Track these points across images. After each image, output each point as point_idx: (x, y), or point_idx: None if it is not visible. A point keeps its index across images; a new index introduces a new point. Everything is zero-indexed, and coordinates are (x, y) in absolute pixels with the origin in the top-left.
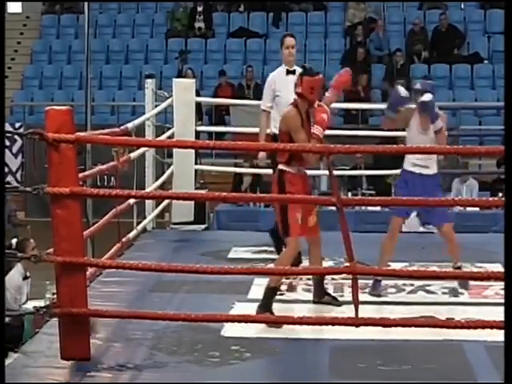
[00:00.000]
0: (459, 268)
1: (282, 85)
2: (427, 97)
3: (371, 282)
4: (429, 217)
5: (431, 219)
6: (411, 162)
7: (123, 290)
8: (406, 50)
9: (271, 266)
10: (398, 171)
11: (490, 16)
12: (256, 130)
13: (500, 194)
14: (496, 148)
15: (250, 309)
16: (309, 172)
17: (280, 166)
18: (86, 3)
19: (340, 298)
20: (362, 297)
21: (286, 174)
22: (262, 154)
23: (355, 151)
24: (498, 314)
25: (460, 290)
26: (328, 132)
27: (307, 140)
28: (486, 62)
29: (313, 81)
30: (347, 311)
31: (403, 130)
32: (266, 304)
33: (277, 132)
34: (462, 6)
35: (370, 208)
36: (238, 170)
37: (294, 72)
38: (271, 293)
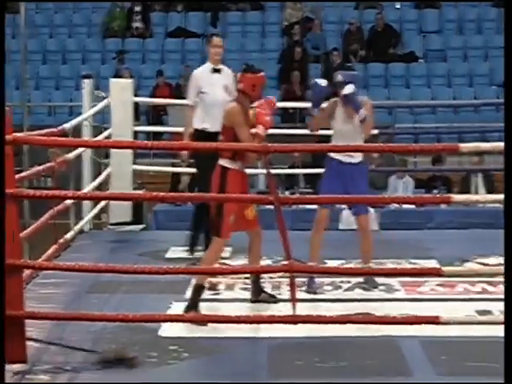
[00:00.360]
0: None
1: (206, 82)
2: (348, 89)
3: (307, 279)
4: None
5: (351, 207)
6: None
7: (60, 292)
8: (342, 50)
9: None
10: None
11: (425, 16)
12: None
13: (435, 191)
14: (431, 146)
15: None
16: (247, 171)
17: (222, 162)
18: (22, 3)
19: (278, 296)
20: (300, 294)
21: (229, 171)
22: (184, 153)
23: (292, 150)
24: (433, 310)
25: (396, 287)
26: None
27: (251, 136)
28: (420, 60)
29: (255, 78)
30: (285, 309)
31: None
32: (193, 303)
33: (200, 128)
34: (398, 6)
35: (307, 206)
36: (175, 170)
37: (219, 70)
38: (198, 291)
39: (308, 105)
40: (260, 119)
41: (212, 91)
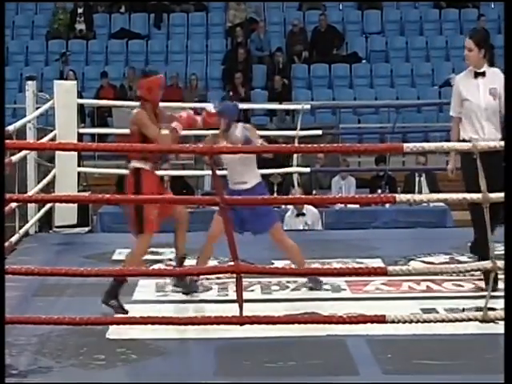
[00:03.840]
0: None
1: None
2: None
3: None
4: (254, 226)
5: (256, 228)
6: (231, 181)
7: (6, 295)
8: (286, 51)
9: (156, 266)
10: (280, 170)
11: (367, 17)
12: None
13: (379, 191)
14: (376, 146)
15: (135, 310)
16: (193, 172)
17: (134, 164)
18: None
19: (224, 297)
20: (247, 295)
21: (142, 172)
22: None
23: (238, 151)
24: (379, 309)
25: (342, 286)
26: (210, 132)
27: (159, 132)
28: (363, 61)
29: (149, 81)
30: (232, 310)
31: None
32: (111, 293)
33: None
34: (341, 7)
35: None
36: (120, 172)
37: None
38: (117, 286)
39: (254, 106)
40: (177, 117)
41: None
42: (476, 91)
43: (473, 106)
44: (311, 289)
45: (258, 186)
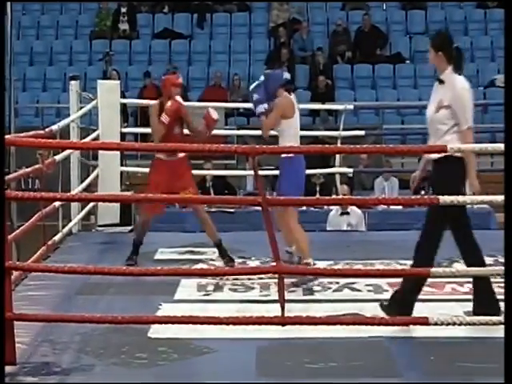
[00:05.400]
0: (308, 264)
1: None
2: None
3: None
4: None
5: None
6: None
7: (49, 294)
8: (329, 51)
9: (197, 266)
10: (323, 171)
11: (411, 17)
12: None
13: (422, 192)
14: (418, 147)
15: (177, 310)
16: (235, 172)
17: (156, 154)
18: (8, 4)
19: (266, 297)
20: (288, 295)
21: (156, 161)
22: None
23: (280, 151)
24: (422, 311)
25: (384, 288)
26: (252, 133)
27: (156, 123)
28: (407, 62)
29: (164, 79)
30: (274, 310)
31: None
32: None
33: None
34: (384, 7)
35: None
36: None
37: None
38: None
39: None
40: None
41: None
42: (431, 100)
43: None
44: (353, 290)
45: (283, 159)
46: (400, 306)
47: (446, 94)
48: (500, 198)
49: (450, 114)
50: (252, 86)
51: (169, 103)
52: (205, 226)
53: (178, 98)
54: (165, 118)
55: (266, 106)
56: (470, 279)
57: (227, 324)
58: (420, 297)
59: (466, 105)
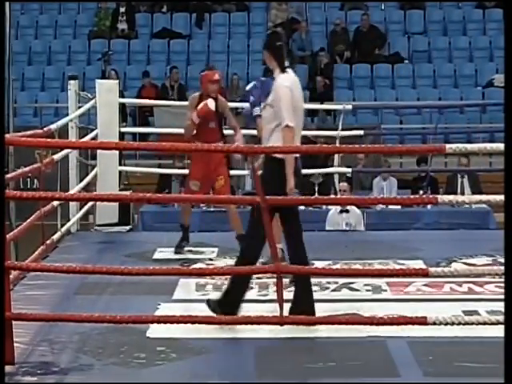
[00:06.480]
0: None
1: None
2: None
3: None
4: None
5: None
6: None
7: (47, 293)
8: (328, 51)
9: (196, 266)
10: (321, 170)
11: (410, 16)
12: (180, 131)
13: (421, 192)
14: (418, 147)
15: (176, 309)
16: (233, 172)
17: None
18: (6, 4)
19: (265, 297)
20: (287, 295)
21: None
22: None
23: (279, 151)
24: (420, 310)
25: (383, 288)
26: (252, 132)
27: (189, 116)
28: (406, 61)
29: (201, 76)
30: (272, 310)
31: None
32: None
33: None
34: (383, 7)
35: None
36: (162, 171)
37: None
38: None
39: None
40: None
41: None
42: None
43: None
44: (352, 289)
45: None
46: (227, 305)
47: (272, 93)
48: (499, 197)
49: (273, 112)
50: (248, 87)
51: (201, 104)
52: (231, 219)
53: (210, 103)
54: (195, 118)
55: (261, 108)
56: (468, 279)
57: (226, 324)
58: (419, 296)
59: (283, 103)
